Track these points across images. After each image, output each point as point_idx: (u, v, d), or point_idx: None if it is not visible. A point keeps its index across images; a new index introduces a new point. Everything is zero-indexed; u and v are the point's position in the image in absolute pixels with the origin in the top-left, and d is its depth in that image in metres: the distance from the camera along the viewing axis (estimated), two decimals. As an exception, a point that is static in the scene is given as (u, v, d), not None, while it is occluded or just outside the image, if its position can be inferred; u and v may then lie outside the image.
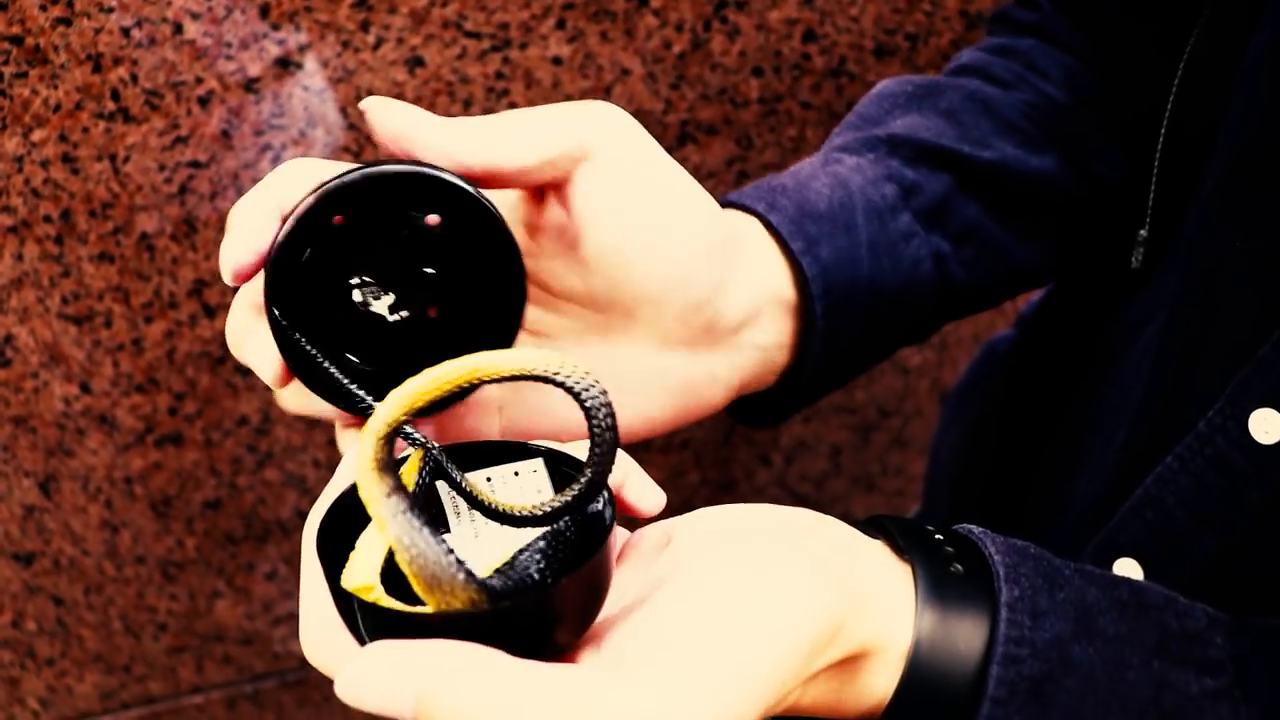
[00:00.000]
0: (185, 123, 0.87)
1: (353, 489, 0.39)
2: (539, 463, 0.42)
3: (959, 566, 0.38)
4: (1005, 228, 0.59)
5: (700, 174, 0.99)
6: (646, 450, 1.16)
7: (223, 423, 1.01)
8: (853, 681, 0.38)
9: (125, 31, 0.83)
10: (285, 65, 0.87)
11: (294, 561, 1.12)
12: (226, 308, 0.95)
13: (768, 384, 0.54)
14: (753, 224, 0.52)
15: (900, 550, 0.39)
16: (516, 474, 0.42)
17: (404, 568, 0.34)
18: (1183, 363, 0.50)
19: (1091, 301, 0.64)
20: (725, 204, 0.54)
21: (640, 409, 0.51)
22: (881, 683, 0.38)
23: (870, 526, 0.42)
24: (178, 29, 0.84)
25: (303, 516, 1.09)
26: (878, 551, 0.40)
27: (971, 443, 0.75)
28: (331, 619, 0.37)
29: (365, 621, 0.35)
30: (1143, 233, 0.60)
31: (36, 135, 0.85)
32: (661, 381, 0.50)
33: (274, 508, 1.08)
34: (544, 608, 0.34)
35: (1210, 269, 0.49)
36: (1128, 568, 0.51)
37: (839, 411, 1.22)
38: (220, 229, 0.92)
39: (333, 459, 1.06)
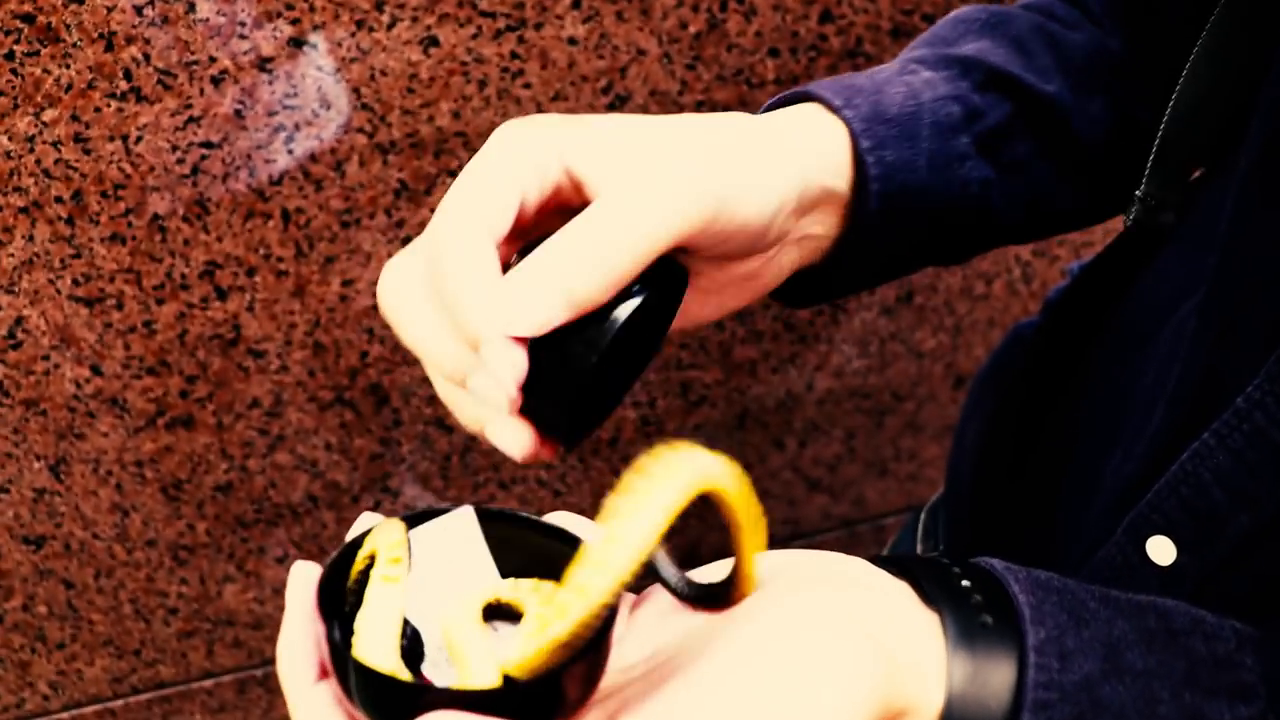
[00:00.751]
0: (198, 103, 0.86)
1: (348, 550, 0.39)
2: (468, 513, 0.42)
3: (988, 618, 0.38)
4: (1051, 167, 0.60)
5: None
6: (659, 434, 1.15)
7: (234, 405, 1.01)
8: None
9: (138, 10, 0.82)
10: (299, 45, 0.86)
11: (305, 546, 1.12)
12: (239, 289, 0.95)
13: (808, 265, 0.56)
14: (824, 115, 0.53)
15: (927, 598, 0.39)
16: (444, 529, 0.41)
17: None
18: (1221, 341, 0.49)
19: (1121, 282, 0.64)
20: (802, 94, 0.55)
21: (712, 305, 0.52)
22: None
23: (893, 566, 0.41)
24: (191, 7, 0.83)
25: (315, 500, 1.09)
26: (907, 602, 0.39)
27: (997, 426, 0.74)
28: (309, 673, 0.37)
29: (371, 690, 0.35)
30: (1139, 192, 0.61)
31: (48, 115, 0.84)
32: (734, 282, 0.52)
33: (285, 491, 1.07)
34: (556, 687, 0.35)
35: (1249, 248, 0.49)
36: (1161, 545, 0.51)
37: (853, 395, 1.22)
38: (233, 210, 0.91)
39: (344, 443, 1.06)
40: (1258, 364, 0.46)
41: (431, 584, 0.39)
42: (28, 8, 0.80)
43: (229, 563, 1.11)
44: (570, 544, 0.40)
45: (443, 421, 1.07)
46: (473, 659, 0.36)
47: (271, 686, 1.21)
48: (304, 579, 0.37)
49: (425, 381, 1.04)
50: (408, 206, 0.94)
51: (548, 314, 0.40)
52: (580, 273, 0.40)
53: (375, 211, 0.94)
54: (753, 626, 0.36)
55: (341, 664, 0.35)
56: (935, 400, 1.27)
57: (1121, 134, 0.62)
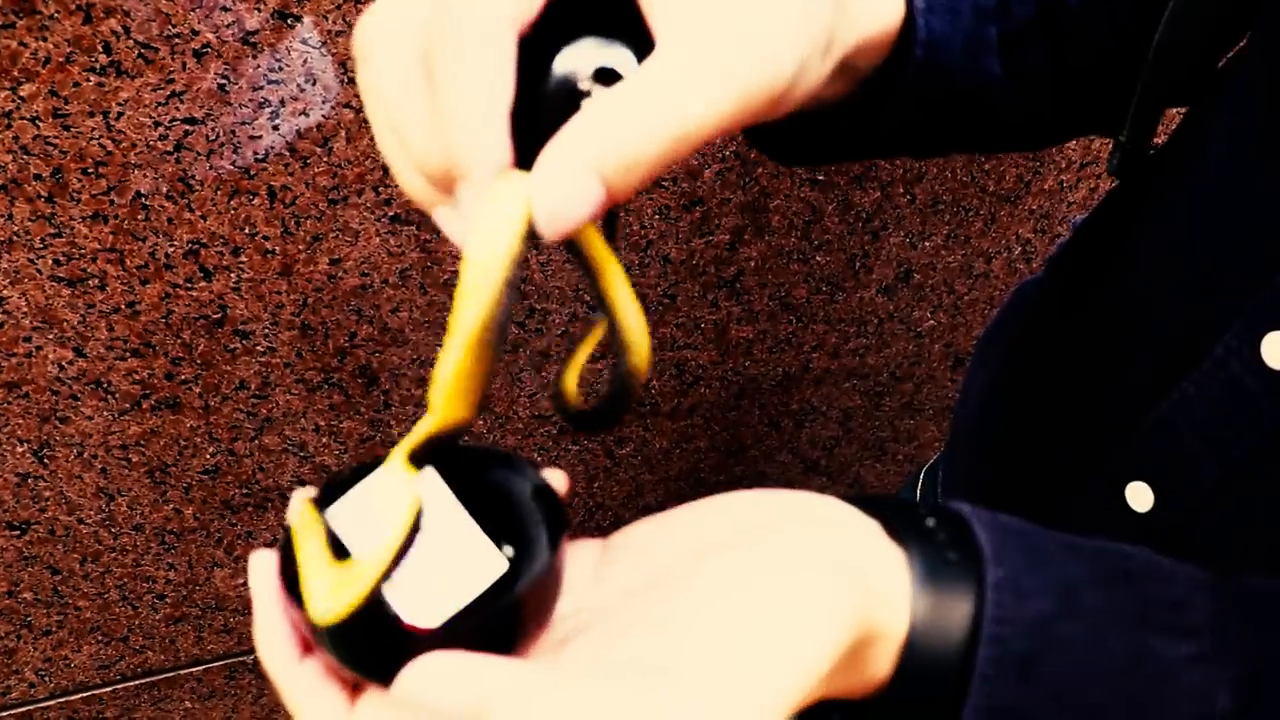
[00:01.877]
0: (180, 77, 0.84)
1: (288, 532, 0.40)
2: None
3: (952, 555, 0.40)
4: (1051, 79, 0.60)
5: None
6: (655, 415, 1.14)
7: (221, 387, 0.99)
8: (856, 666, 0.39)
9: (117, -19, 0.80)
10: (284, 18, 0.84)
11: (295, 530, 1.10)
12: (224, 269, 0.93)
13: (829, 105, 0.53)
14: None
15: (895, 534, 0.40)
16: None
17: None
18: (1201, 293, 0.51)
19: (1114, 235, 0.65)
20: None
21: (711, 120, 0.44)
22: (881, 666, 0.39)
23: (864, 505, 0.43)
24: (171, -22, 0.80)
25: (303, 482, 1.07)
26: (877, 538, 0.40)
27: (999, 378, 0.76)
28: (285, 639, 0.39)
29: (351, 642, 0.36)
30: (1121, 137, 0.63)
31: (25, 90, 0.82)
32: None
33: (273, 475, 1.05)
34: (518, 610, 0.36)
35: (1229, 202, 0.50)
36: (1139, 491, 0.53)
37: (850, 376, 1.20)
38: (218, 188, 0.89)
39: (332, 425, 1.04)
40: (1234, 315, 0.47)
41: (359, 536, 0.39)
42: (3, -22, 0.77)
43: (217, 547, 1.09)
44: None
45: (434, 403, 1.05)
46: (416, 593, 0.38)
47: (261, 672, 1.20)
48: (264, 566, 0.39)
49: (414, 363, 1.02)
50: (396, 184, 0.92)
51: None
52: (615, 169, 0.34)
53: (363, 189, 0.92)
54: (729, 561, 0.37)
55: (318, 635, 0.36)
56: (934, 381, 1.26)
57: (1119, 56, 0.62)
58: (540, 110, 0.36)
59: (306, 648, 0.38)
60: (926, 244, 1.14)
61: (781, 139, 0.58)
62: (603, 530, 1.22)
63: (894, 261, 1.14)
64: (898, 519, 0.41)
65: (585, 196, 0.33)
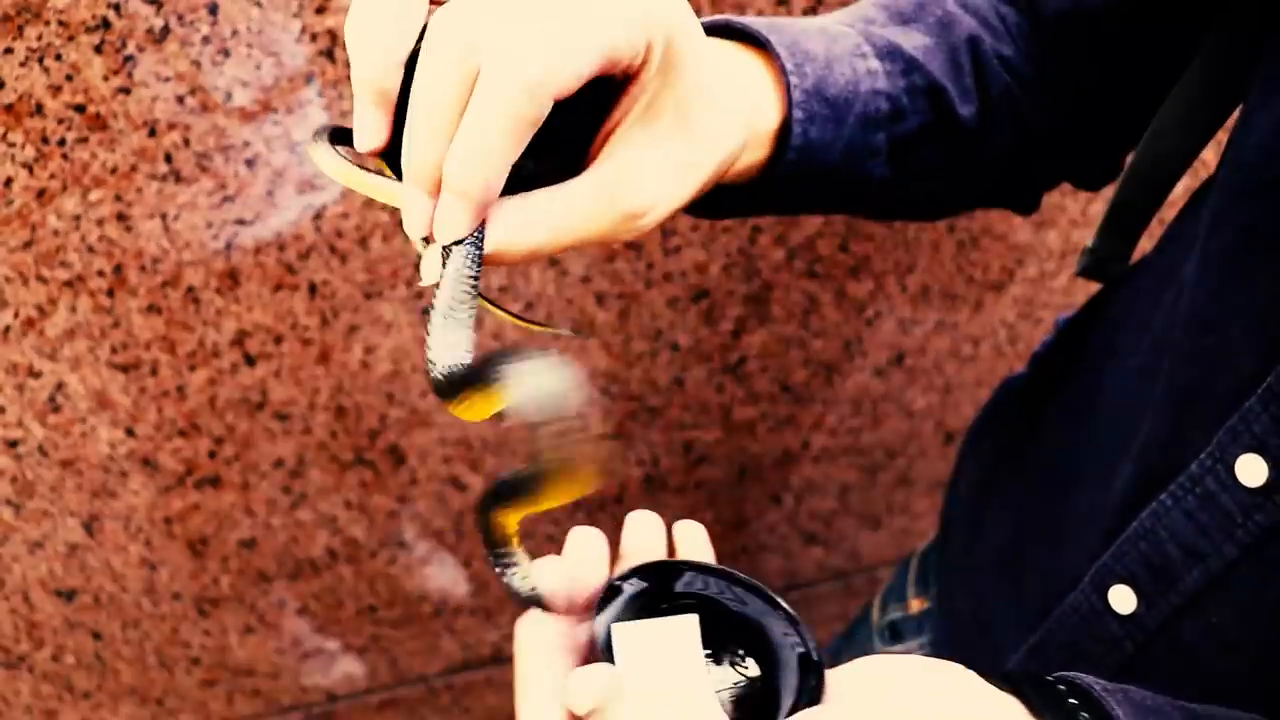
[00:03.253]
0: (233, 183, 0.92)
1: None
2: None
3: None
4: (945, 179, 0.66)
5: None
6: (663, 490, 1.21)
7: (259, 465, 1.06)
8: None
9: (180, 99, 0.88)
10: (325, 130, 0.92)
11: (324, 599, 1.17)
12: (266, 356, 1.00)
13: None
14: (768, 67, 0.57)
15: (1036, 712, 0.44)
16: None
17: None
18: (1182, 409, 0.54)
19: (1099, 343, 0.69)
20: (750, 36, 0.58)
21: (650, 186, 0.52)
22: None
23: (1000, 681, 0.46)
24: (229, 96, 0.89)
25: (334, 555, 1.14)
26: (1019, 714, 0.44)
27: (986, 475, 0.79)
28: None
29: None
30: (1088, 243, 0.68)
31: (94, 196, 0.90)
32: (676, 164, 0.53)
33: (305, 546, 1.12)
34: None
35: (1211, 326, 0.53)
36: (1122, 594, 0.56)
37: (847, 453, 1.27)
38: (263, 282, 0.97)
39: (362, 500, 1.11)
40: (1211, 432, 0.51)
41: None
42: (80, 99, 0.86)
43: (250, 614, 1.15)
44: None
45: (457, 480, 1.13)
46: None
47: (288, 734, 1.25)
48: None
49: (441, 443, 1.10)
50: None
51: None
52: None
53: (396, 284, 0.99)
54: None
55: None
56: (926, 456, 1.33)
57: (1020, 148, 0.67)
58: None
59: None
60: (917, 330, 1.21)
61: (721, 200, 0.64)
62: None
63: (887, 346, 1.21)
64: (1038, 696, 0.44)
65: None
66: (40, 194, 0.89)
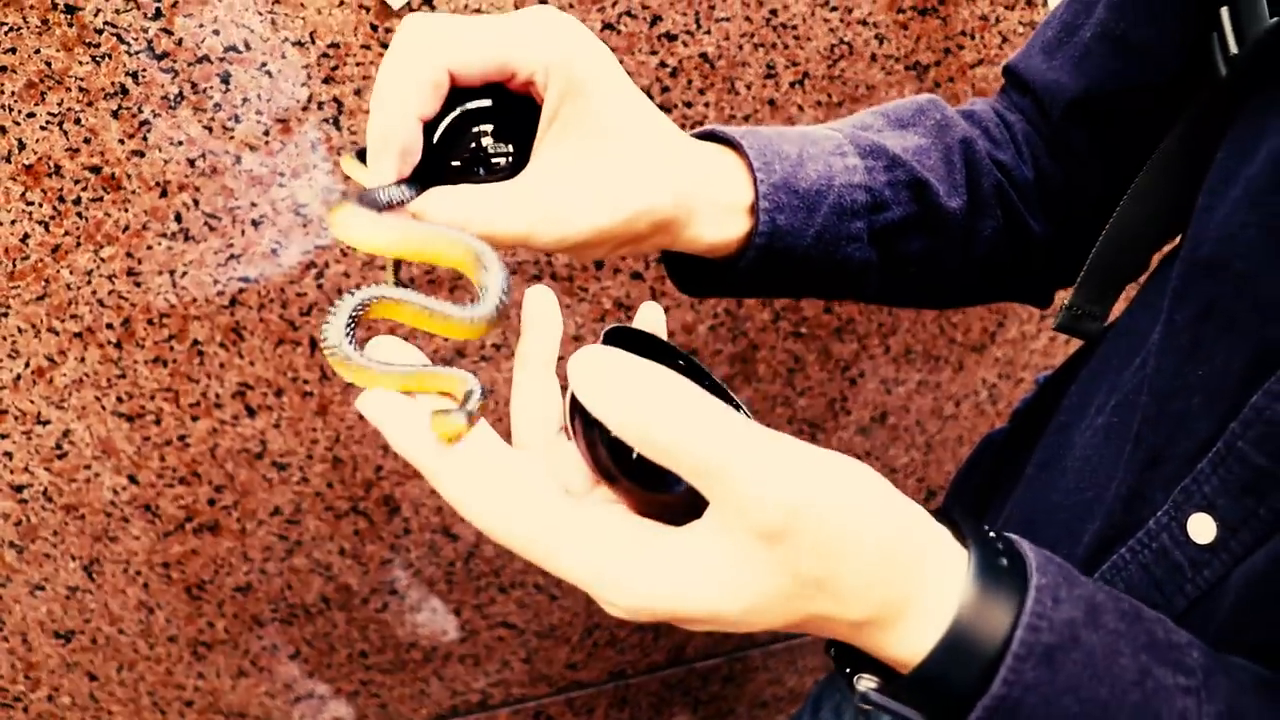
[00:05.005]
0: (239, 242, 0.96)
1: None
2: None
3: (1004, 561, 0.47)
4: (932, 269, 0.70)
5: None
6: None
7: (257, 513, 1.09)
8: (896, 625, 0.46)
9: (191, 162, 0.92)
10: (330, 194, 0.96)
11: (317, 644, 1.19)
12: (267, 408, 1.03)
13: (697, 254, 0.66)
14: (742, 164, 0.64)
15: (961, 537, 0.48)
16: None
17: None
18: (1145, 468, 0.57)
19: (1075, 401, 0.72)
20: (727, 138, 0.65)
21: (605, 246, 0.60)
22: (916, 639, 0.46)
23: (938, 515, 0.50)
24: (237, 160, 0.93)
25: (327, 601, 1.16)
26: (946, 532, 0.48)
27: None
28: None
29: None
30: (1065, 299, 0.72)
31: (106, 252, 0.94)
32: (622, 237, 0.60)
33: (300, 593, 1.15)
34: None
35: (1175, 394, 0.57)
36: None
37: (830, 508, 1.30)
38: (265, 337, 1.00)
39: (356, 549, 1.14)
40: (1169, 490, 0.55)
41: None
42: (96, 160, 0.90)
43: (244, 658, 1.18)
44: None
45: (449, 530, 1.16)
46: None
47: (277, 777, 1.27)
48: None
49: (433, 494, 1.13)
50: (424, 336, 1.03)
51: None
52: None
53: (394, 340, 1.03)
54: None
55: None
56: (908, 513, 1.36)
57: (1004, 250, 0.72)
58: (450, 154, 0.57)
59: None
60: (900, 389, 1.25)
61: (678, 274, 0.70)
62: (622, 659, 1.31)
63: (870, 405, 1.25)
64: (965, 524, 0.48)
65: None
66: (55, 250, 0.93)
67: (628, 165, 0.58)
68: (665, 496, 0.45)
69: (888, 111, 0.72)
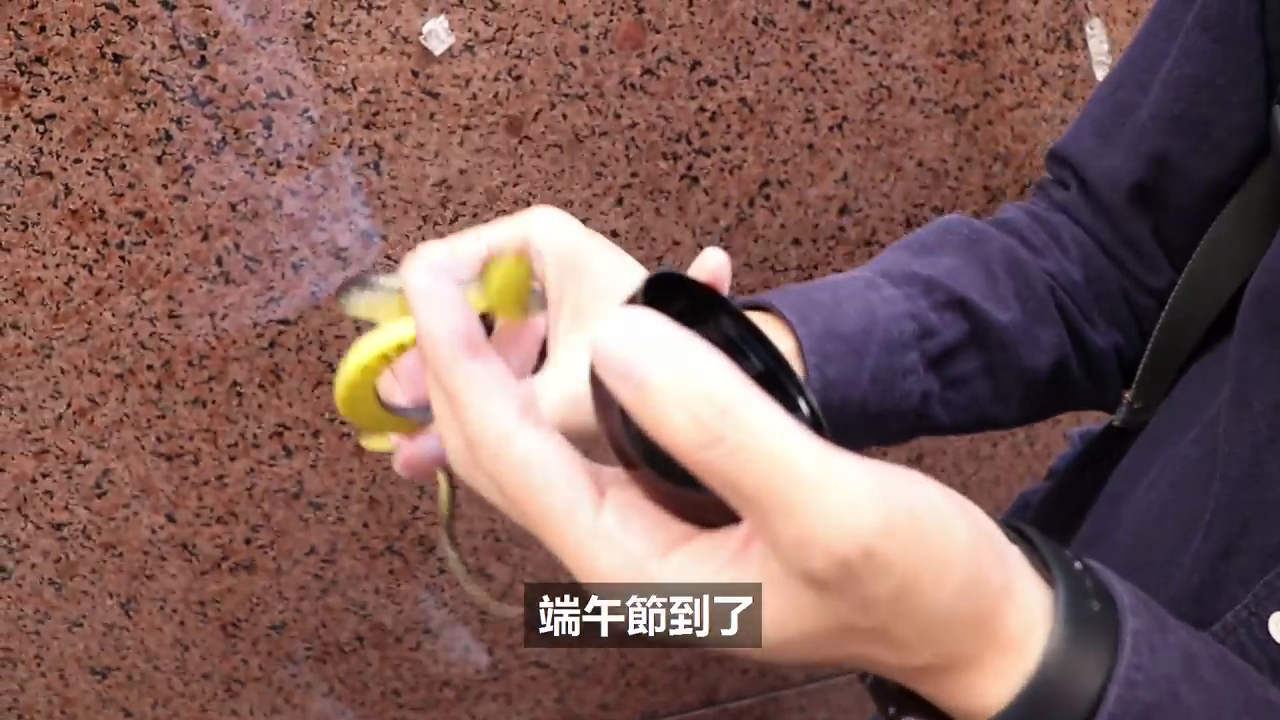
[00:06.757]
0: (279, 285, 0.97)
1: None
2: None
3: (1095, 603, 0.40)
4: (995, 384, 0.66)
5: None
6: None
7: (293, 552, 1.09)
8: (965, 674, 0.39)
9: (233, 206, 0.93)
10: (370, 237, 0.96)
11: (349, 682, 1.19)
12: (304, 448, 1.04)
13: None
14: (780, 326, 0.60)
15: (1043, 564, 0.41)
16: None
17: None
18: (1221, 559, 0.54)
19: (1127, 477, 0.69)
20: (759, 304, 0.62)
21: None
22: (989, 689, 0.39)
23: (1012, 530, 0.43)
24: (278, 205, 0.93)
25: (361, 640, 1.16)
26: (1026, 566, 0.41)
27: None
28: None
29: None
30: (1127, 395, 0.68)
31: (148, 295, 0.94)
32: None
33: (334, 631, 1.15)
34: None
35: (1256, 479, 0.53)
36: None
37: (865, 550, 1.29)
38: (303, 379, 1.01)
39: (391, 588, 1.14)
40: (1249, 585, 0.51)
41: None
42: (140, 205, 0.91)
43: (278, 696, 1.18)
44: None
45: (483, 570, 1.16)
46: None
47: (309, 814, 1.27)
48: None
49: (468, 534, 1.13)
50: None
51: None
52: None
53: (432, 382, 1.03)
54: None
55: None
56: (944, 554, 1.35)
57: (1069, 359, 0.68)
58: None
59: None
60: (936, 431, 1.24)
61: None
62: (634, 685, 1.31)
63: (907, 446, 1.24)
64: (1049, 553, 0.41)
65: None
66: (98, 292, 0.93)
67: None
68: (695, 495, 0.35)
69: (910, 243, 0.69)
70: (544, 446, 0.35)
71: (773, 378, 0.42)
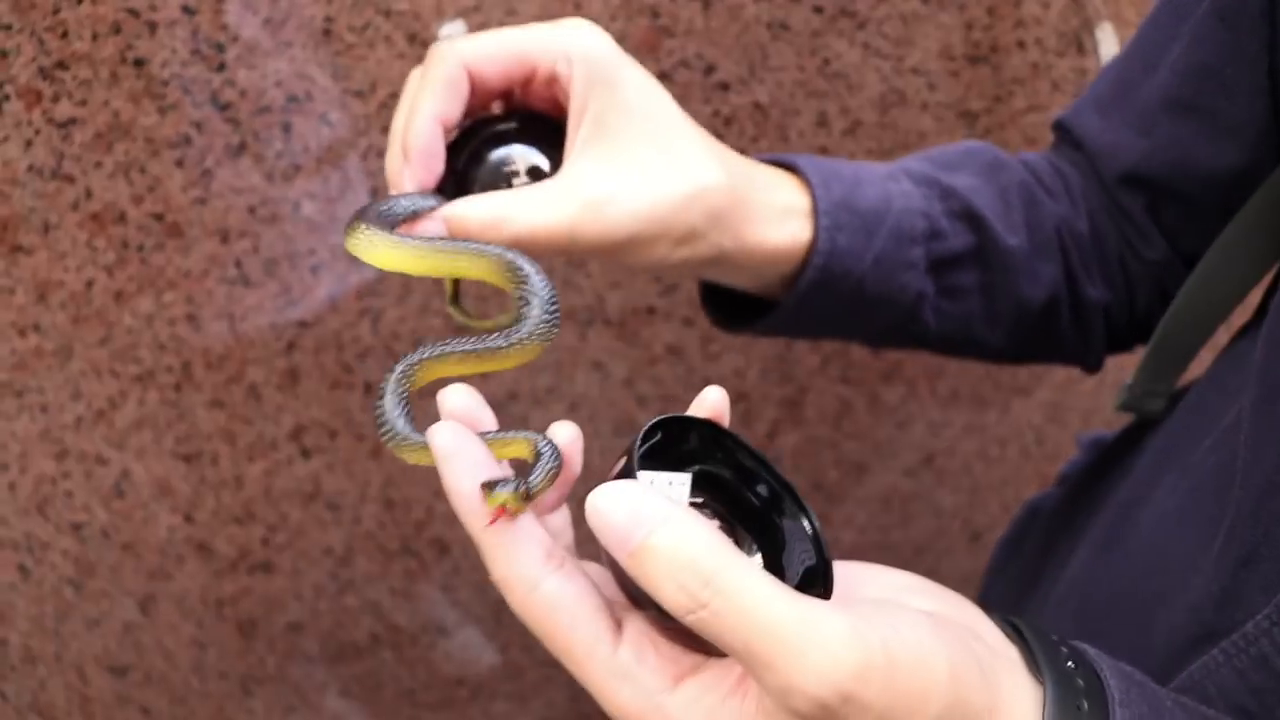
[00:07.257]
0: (297, 288, 0.98)
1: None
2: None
3: (1084, 703, 0.40)
4: (988, 304, 0.68)
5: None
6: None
7: (310, 553, 1.10)
8: None
9: (251, 209, 0.94)
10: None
11: (365, 681, 1.20)
12: (321, 450, 1.05)
13: (742, 289, 0.65)
14: (800, 186, 0.62)
15: (1036, 667, 0.42)
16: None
17: None
18: (1241, 566, 0.52)
19: (1142, 480, 0.67)
20: (786, 163, 0.63)
21: (643, 253, 0.58)
22: None
23: (1006, 625, 0.45)
24: (297, 208, 0.94)
25: (377, 640, 1.17)
26: (1018, 663, 0.42)
27: (1013, 598, 0.79)
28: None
29: None
30: (1128, 381, 0.69)
31: (167, 297, 0.95)
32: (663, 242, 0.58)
33: (350, 631, 1.16)
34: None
35: (1271, 489, 0.52)
36: None
37: (876, 550, 1.30)
38: (321, 380, 1.02)
39: (407, 588, 1.15)
40: (1271, 593, 0.50)
41: None
42: (159, 208, 0.92)
43: (294, 695, 1.19)
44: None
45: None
46: None
47: (323, 812, 1.28)
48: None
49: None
50: (478, 380, 1.04)
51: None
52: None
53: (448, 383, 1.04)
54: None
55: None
56: (953, 554, 1.35)
57: (1061, 301, 0.69)
58: (477, 174, 0.58)
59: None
60: (946, 432, 1.25)
61: (724, 308, 0.68)
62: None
63: (917, 448, 1.25)
64: (1040, 652, 0.42)
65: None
66: (118, 295, 0.94)
67: (673, 146, 0.55)
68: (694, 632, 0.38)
69: (934, 154, 0.70)
70: (565, 590, 0.39)
71: (780, 501, 0.46)
